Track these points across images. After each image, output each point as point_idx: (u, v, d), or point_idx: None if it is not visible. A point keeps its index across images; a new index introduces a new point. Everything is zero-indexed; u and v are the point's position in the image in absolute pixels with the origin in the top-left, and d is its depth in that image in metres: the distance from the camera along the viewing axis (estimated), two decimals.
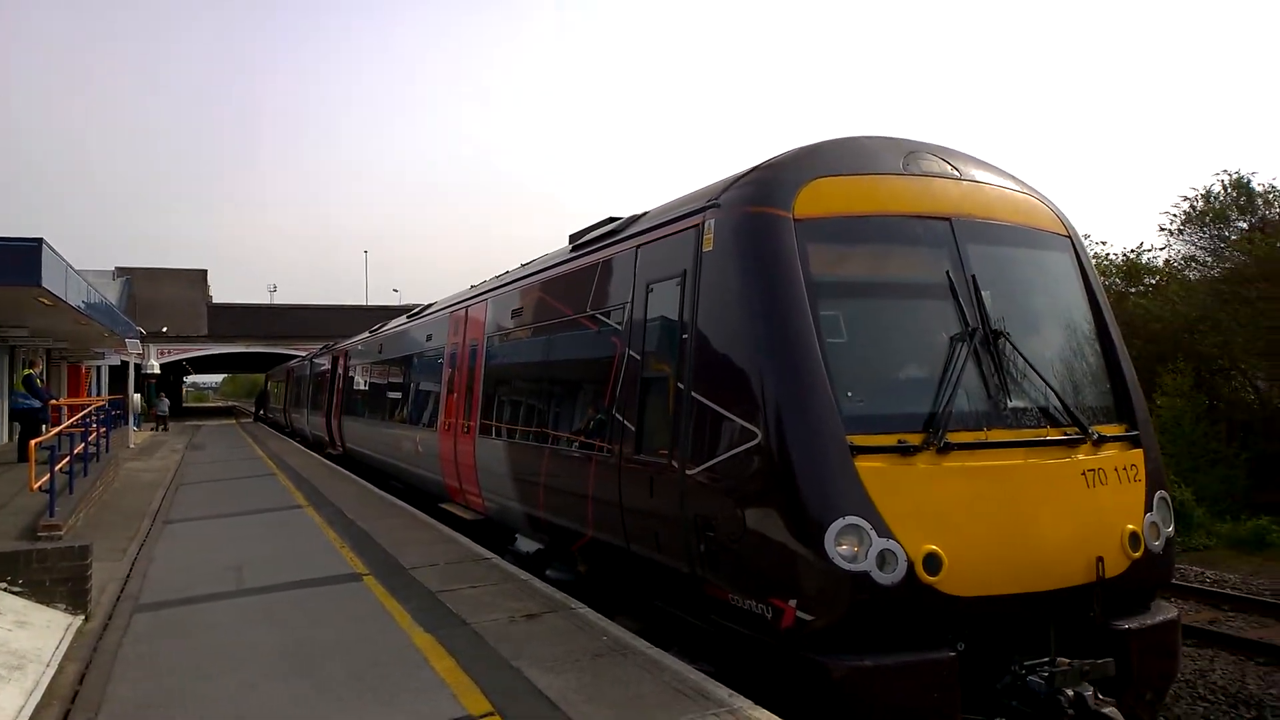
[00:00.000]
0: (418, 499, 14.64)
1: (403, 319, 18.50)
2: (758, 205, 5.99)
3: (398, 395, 17.06)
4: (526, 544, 9.94)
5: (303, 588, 8.20)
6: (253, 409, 63.13)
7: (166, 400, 46.64)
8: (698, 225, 6.47)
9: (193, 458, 25.49)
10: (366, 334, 22.47)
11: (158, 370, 49.02)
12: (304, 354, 37.06)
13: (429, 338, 14.91)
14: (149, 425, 44.10)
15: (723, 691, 5.09)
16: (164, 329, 49.40)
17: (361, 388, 21.36)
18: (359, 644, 6.30)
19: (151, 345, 47.00)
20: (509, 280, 11.31)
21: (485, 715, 4.85)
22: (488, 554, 9.50)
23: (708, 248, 6.26)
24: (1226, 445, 21.79)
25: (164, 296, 50.70)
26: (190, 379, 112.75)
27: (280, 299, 63.19)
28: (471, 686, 5.28)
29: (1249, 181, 24.76)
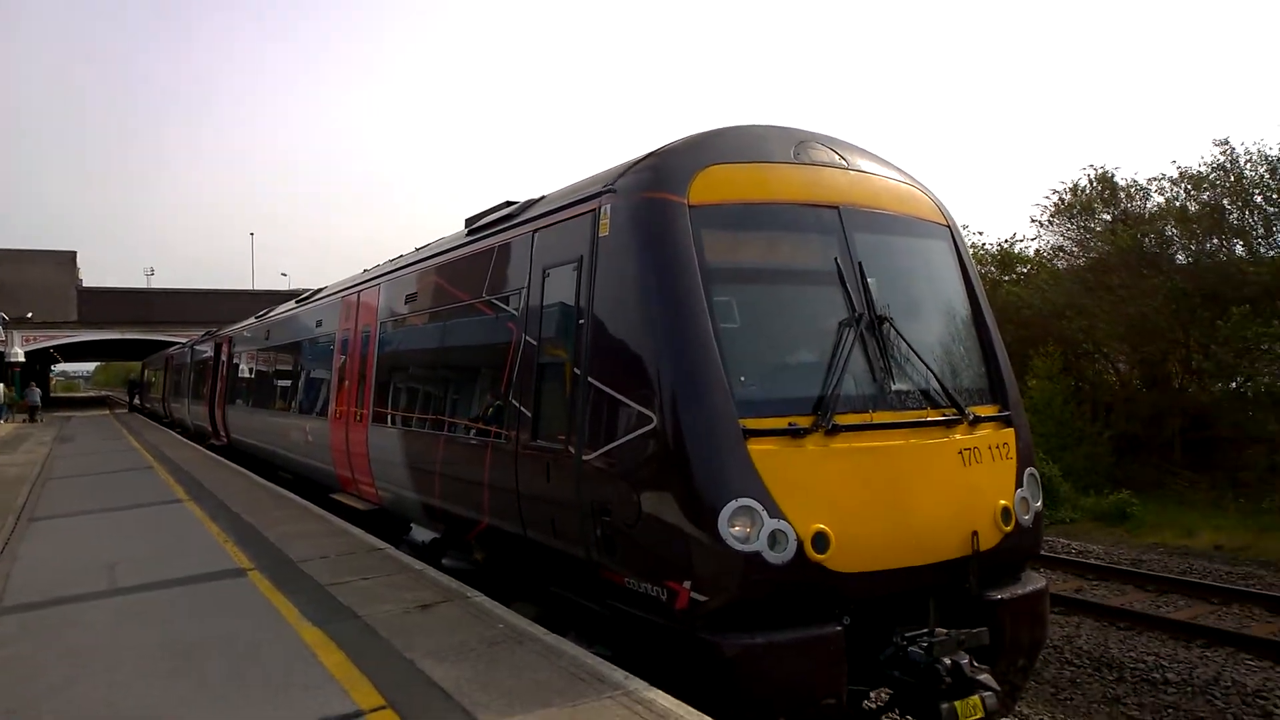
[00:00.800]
0: (308, 490, 14.21)
1: (291, 304, 17.87)
2: (653, 191, 6.02)
3: (286, 383, 16.48)
4: (422, 533, 9.78)
5: (183, 585, 7.86)
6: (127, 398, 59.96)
7: (38, 390, 43.95)
8: (594, 210, 6.46)
9: (62, 450, 24.07)
10: (253, 319, 21.62)
11: (22, 358, 46.05)
12: (185, 341, 35.38)
13: (319, 323, 14.45)
14: (20, 417, 41.65)
15: (619, 674, 5.15)
16: (29, 314, 46.37)
17: (247, 375, 20.55)
18: (243, 641, 6.08)
19: (15, 332, 44.10)
20: (403, 264, 11.05)
21: (377, 709, 4.76)
22: (381, 544, 9.31)
23: (604, 233, 6.26)
24: (1091, 424, 23.21)
25: (29, 279, 47.57)
26: (59, 368, 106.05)
27: (159, 283, 60.13)
28: (363, 680, 5.18)
29: (1113, 176, 26.35)
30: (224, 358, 23.11)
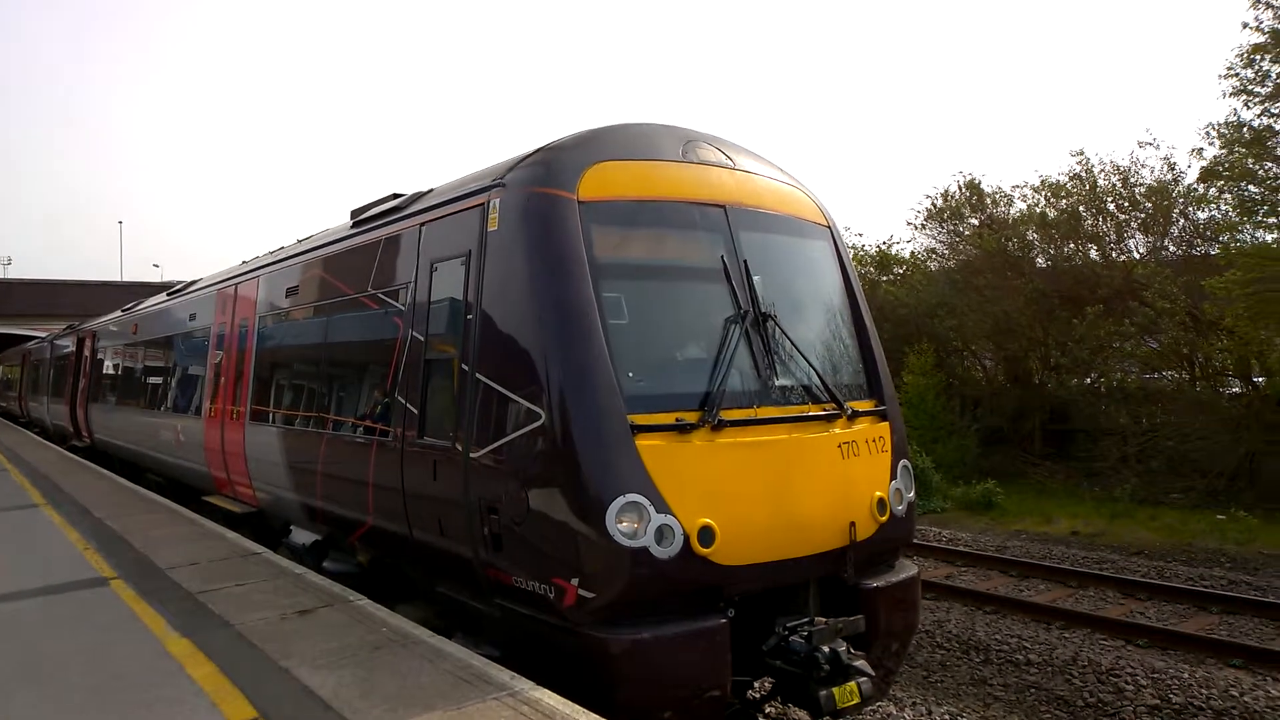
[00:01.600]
0: (179, 493, 13.53)
1: (162, 296, 16.96)
2: (542, 186, 5.99)
3: (157, 380, 15.64)
4: (303, 536, 9.44)
5: (37, 596, 7.35)
6: None
7: None
8: (483, 204, 6.38)
9: None
10: (119, 313, 20.41)
11: None
12: (45, 335, 33.08)
13: (193, 317, 13.75)
14: None
15: (505, 675, 5.11)
16: None
17: (113, 372, 19.40)
18: (104, 654, 5.74)
19: None
20: (285, 256, 10.64)
21: None
22: (258, 549, 8.96)
23: (493, 227, 6.19)
24: (960, 418, 24.41)
25: None
26: None
27: (16, 273, 55.97)
28: (234, 692, 4.97)
29: (980, 183, 27.77)
30: (87, 353, 21.77)
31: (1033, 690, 9.31)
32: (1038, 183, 25.29)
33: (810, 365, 6.33)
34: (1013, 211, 26.54)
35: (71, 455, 20.35)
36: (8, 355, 46.03)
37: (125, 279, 54.49)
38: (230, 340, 11.60)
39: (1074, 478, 21.10)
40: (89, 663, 5.60)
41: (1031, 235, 25.03)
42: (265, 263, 11.26)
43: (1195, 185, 20.52)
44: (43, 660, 5.66)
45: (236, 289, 11.80)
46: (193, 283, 15.37)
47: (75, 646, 5.93)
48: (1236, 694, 8.54)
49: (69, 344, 24.70)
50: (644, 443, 5.37)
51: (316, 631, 6.02)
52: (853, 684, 5.57)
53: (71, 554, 8.98)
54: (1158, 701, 8.63)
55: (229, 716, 4.65)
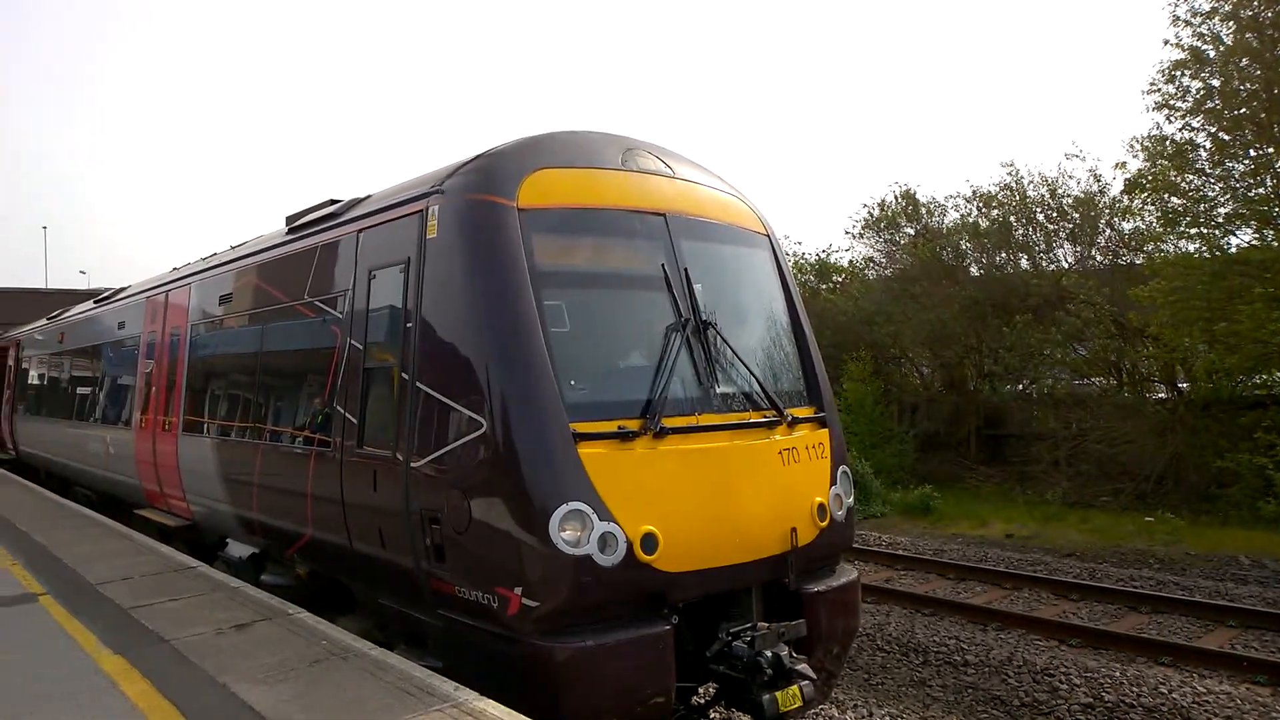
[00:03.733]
0: (110, 507, 13.11)
1: (90, 304, 16.44)
2: (481, 193, 5.98)
3: (85, 390, 15.16)
4: (239, 549, 9.24)
5: None
6: None
7: None
8: (421, 211, 6.34)
9: None
10: (45, 321, 19.72)
11: None
12: None
13: (122, 325, 13.37)
14: None
15: (448, 686, 5.08)
16: None
17: (39, 382, 18.74)
18: (31, 673, 5.55)
19: None
20: (217, 263, 10.41)
21: None
22: (193, 563, 8.74)
23: (431, 235, 6.16)
24: (899, 424, 24.87)
25: None
26: None
27: None
28: (170, 710, 4.86)
29: (915, 193, 28.42)
30: (11, 363, 21.03)
31: (970, 690, 9.51)
32: (970, 193, 25.96)
33: (751, 373, 6.41)
34: (946, 221, 27.17)
35: None
36: None
37: (51, 286, 52.55)
38: (161, 349, 11.30)
39: (1008, 481, 21.61)
40: (17, 682, 5.41)
41: (965, 244, 25.63)
42: (198, 269, 11.01)
43: (1120, 197, 21.22)
44: None
45: (168, 296, 11.51)
46: (122, 290, 14.94)
47: (4, 664, 5.72)
48: (1166, 691, 8.82)
49: None
50: (586, 451, 5.39)
51: (254, 646, 5.91)
52: (795, 687, 5.66)
53: None
54: (1091, 700, 8.88)
55: None
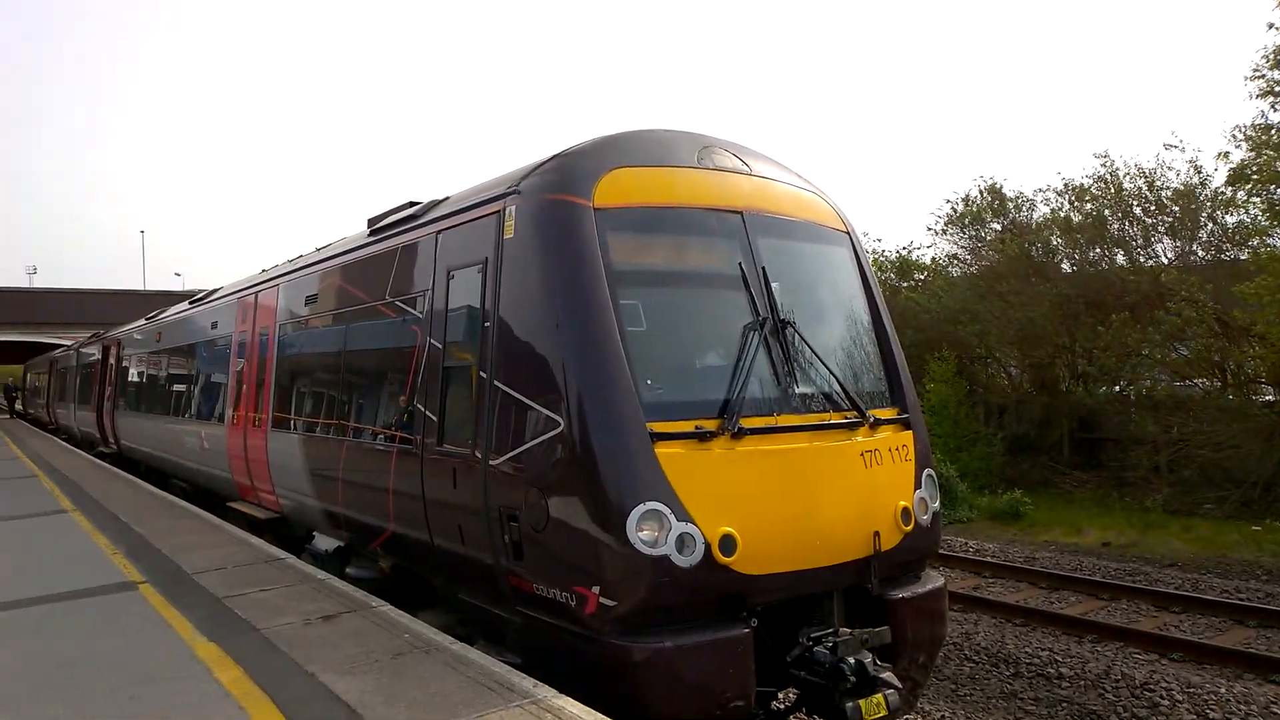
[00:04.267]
0: (204, 499, 13.64)
1: (185, 305, 17.14)
2: (558, 193, 5.99)
3: (180, 387, 15.80)
4: (325, 542, 9.49)
5: (66, 600, 7.42)
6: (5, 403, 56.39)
7: None
8: (498, 212, 6.39)
9: None
10: (143, 321, 20.66)
11: None
12: (71, 343, 33.58)
13: (215, 325, 13.89)
14: None
15: (527, 683, 5.09)
16: None
17: (138, 380, 19.63)
18: (132, 659, 5.78)
19: None
20: (303, 265, 10.72)
21: None
22: (282, 554, 9.01)
23: (508, 235, 6.19)
24: (985, 426, 24.14)
25: None
26: None
27: (42, 282, 56.88)
28: (261, 697, 4.99)
29: (1001, 188, 27.50)
30: (113, 361, 22.05)
31: (1065, 705, 9.15)
32: (1061, 186, 25.03)
33: (831, 372, 6.27)
34: (1035, 216, 26.28)
35: (99, 461, 20.59)
36: (35, 363, 46.79)
37: (148, 288, 55.19)
38: (251, 348, 11.69)
39: (1104, 487, 20.81)
40: (118, 666, 5.64)
41: (1056, 240, 24.76)
42: (285, 271, 11.35)
43: (1223, 189, 20.19)
44: (74, 664, 5.71)
45: (257, 297, 11.90)
46: (214, 291, 15.54)
47: (105, 650, 5.98)
48: (1277, 710, 8.34)
49: (95, 352, 25.02)
50: (664, 450, 5.34)
51: (340, 637, 6.04)
52: (879, 696, 5.50)
53: (101, 558, 9.07)
54: (1195, 717, 8.46)
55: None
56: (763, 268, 6.24)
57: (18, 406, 52.11)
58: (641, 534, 5.16)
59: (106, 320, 33.87)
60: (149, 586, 7.75)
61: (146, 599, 7.35)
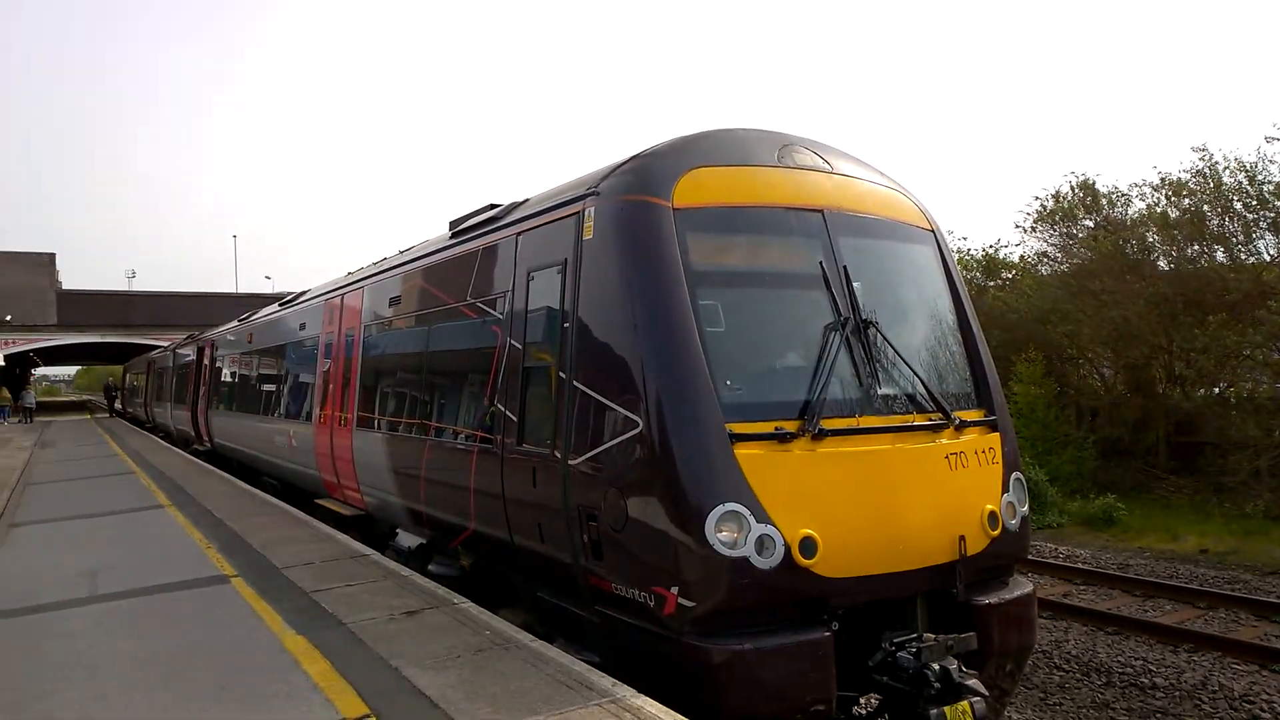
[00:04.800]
0: (293, 496, 14.09)
1: (274, 307, 17.75)
2: (637, 194, 5.99)
3: (270, 387, 16.36)
4: (408, 539, 9.71)
5: (165, 592, 7.76)
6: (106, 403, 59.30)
7: (32, 393, 44.53)
8: (578, 213, 6.42)
9: (42, 455, 23.79)
10: (235, 323, 21.48)
11: (1, 362, 45.69)
12: (167, 344, 35.12)
13: (303, 326, 14.35)
14: (15, 419, 42.54)
15: (606, 681, 5.10)
16: (8, 318, 45.93)
17: (230, 379, 20.39)
18: (225, 650, 6.01)
19: None
20: (387, 267, 10.98)
21: (361, 718, 4.70)
22: (366, 550, 9.24)
23: (588, 236, 6.22)
24: (1076, 429, 23.27)
25: (7, 282, 47.01)
26: (39, 371, 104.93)
27: (140, 286, 59.67)
28: (347, 689, 5.11)
29: (1094, 183, 26.47)
30: (206, 361, 22.93)
31: (1159, 715, 8.80)
32: (1157, 180, 23.98)
33: (914, 373, 6.13)
34: (1130, 212, 25.22)
35: (193, 459, 21.44)
36: (133, 364, 49.07)
37: (240, 290, 57.39)
38: (338, 349, 12.03)
39: (1202, 493, 19.86)
40: (213, 657, 5.86)
41: (1152, 237, 23.74)
42: (369, 273, 11.64)
43: None
44: (172, 654, 5.96)
45: (343, 299, 12.23)
46: (302, 293, 16.04)
47: (200, 641, 6.22)
48: None
49: (190, 353, 26.07)
50: (743, 451, 5.29)
51: (422, 633, 6.15)
52: (965, 704, 5.35)
53: (195, 553, 9.45)
54: None
55: (342, 711, 4.78)
56: (844, 267, 6.13)
57: (117, 406, 54.68)
58: (720, 535, 5.12)
59: (201, 322, 35.37)
60: (241, 580, 8.04)
61: (239, 592, 7.62)
